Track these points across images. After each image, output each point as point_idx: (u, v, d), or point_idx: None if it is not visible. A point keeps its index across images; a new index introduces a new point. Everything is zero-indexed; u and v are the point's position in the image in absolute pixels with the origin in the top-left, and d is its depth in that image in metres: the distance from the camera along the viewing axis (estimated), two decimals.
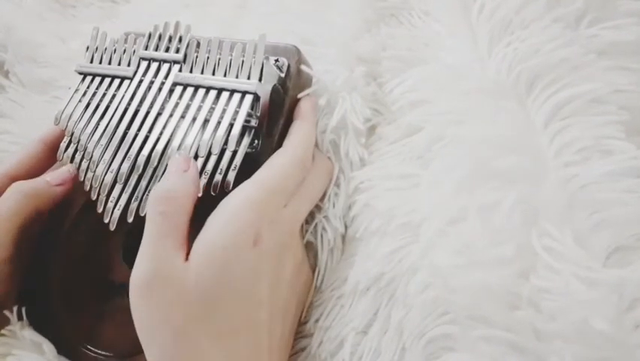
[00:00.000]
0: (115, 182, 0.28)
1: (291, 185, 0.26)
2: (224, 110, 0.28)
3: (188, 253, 0.23)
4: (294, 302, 0.27)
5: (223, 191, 0.26)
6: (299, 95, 0.30)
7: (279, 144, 0.28)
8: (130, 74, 0.31)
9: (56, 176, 0.30)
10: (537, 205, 0.24)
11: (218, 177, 0.26)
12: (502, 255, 0.23)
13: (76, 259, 0.31)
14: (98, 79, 0.32)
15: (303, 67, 0.30)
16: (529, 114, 0.26)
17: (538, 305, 0.22)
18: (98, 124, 0.30)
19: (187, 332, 0.22)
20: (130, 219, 0.27)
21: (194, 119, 0.28)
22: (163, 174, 0.27)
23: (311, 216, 0.30)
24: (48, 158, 0.32)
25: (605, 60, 0.26)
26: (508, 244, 0.23)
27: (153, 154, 0.28)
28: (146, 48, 0.31)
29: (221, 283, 0.22)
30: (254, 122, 0.28)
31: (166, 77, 0.30)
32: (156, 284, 0.22)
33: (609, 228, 0.23)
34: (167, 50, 0.31)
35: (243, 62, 0.28)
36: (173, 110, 0.29)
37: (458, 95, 0.28)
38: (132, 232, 0.26)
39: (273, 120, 0.28)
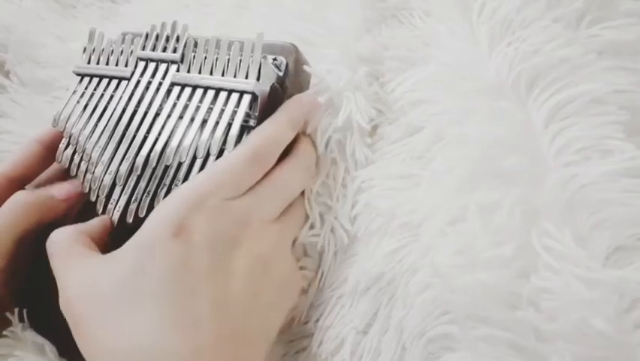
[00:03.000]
0: (114, 183, 0.28)
1: (235, 178, 0.25)
2: (222, 110, 0.28)
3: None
4: (259, 298, 0.25)
5: None
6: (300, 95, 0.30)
7: None
8: (127, 74, 0.31)
9: (63, 190, 0.29)
10: (537, 205, 0.23)
11: None
12: (503, 255, 0.23)
13: None
14: (95, 80, 0.32)
15: (305, 67, 0.30)
16: (530, 114, 0.26)
17: (538, 305, 0.22)
18: (96, 125, 0.30)
19: (94, 327, 0.22)
20: (129, 220, 0.27)
21: (192, 120, 0.28)
22: (162, 174, 0.27)
23: (321, 218, 0.30)
24: (44, 158, 0.32)
25: (605, 60, 0.26)
26: (508, 244, 0.23)
27: (152, 155, 0.28)
28: (144, 48, 0.31)
29: (138, 276, 0.22)
30: (252, 122, 0.28)
31: (164, 77, 0.30)
32: (70, 293, 0.23)
33: (609, 228, 0.23)
34: (164, 49, 0.31)
35: (240, 61, 0.28)
36: (171, 111, 0.29)
37: (459, 94, 0.28)
38: (132, 232, 0.26)
39: None
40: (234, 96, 0.28)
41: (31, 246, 0.28)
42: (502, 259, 0.23)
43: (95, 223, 0.27)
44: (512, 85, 0.27)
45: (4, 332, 0.28)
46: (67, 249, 0.25)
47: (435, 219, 0.26)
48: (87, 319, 0.23)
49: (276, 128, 0.27)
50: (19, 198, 0.28)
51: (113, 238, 0.28)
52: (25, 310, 0.28)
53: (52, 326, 0.29)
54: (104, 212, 0.28)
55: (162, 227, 0.23)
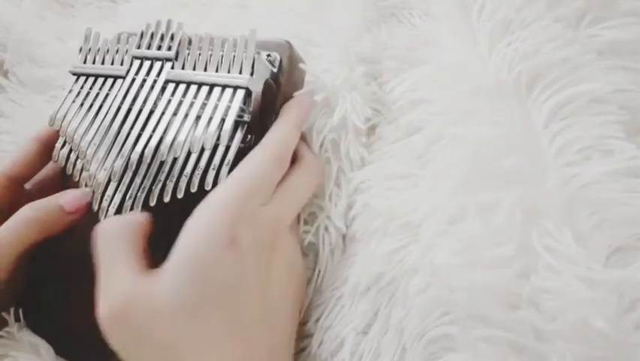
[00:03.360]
0: (109, 180, 0.28)
1: (267, 183, 0.26)
2: (216, 106, 0.27)
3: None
4: (288, 302, 0.27)
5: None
6: (296, 94, 0.30)
7: None
8: (123, 73, 0.31)
9: (71, 202, 0.28)
10: (537, 205, 0.23)
11: (211, 173, 0.26)
12: (503, 255, 0.23)
13: (74, 259, 0.31)
14: (91, 79, 0.32)
15: (299, 64, 0.30)
16: (530, 114, 0.26)
17: (539, 305, 0.22)
18: (92, 123, 0.30)
19: (173, 345, 0.22)
20: None
21: (186, 116, 0.28)
22: (157, 171, 0.27)
23: (313, 217, 0.30)
24: (43, 156, 0.32)
25: (605, 60, 0.26)
26: (509, 244, 0.23)
27: (146, 151, 0.27)
28: (139, 47, 0.31)
29: (200, 289, 0.22)
30: (246, 117, 0.28)
31: (158, 75, 0.30)
32: (126, 309, 0.22)
33: (609, 228, 0.23)
34: (159, 47, 0.31)
35: (234, 57, 0.28)
36: (166, 108, 0.28)
37: (458, 94, 0.28)
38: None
39: (265, 115, 0.28)
40: (228, 91, 0.28)
41: (34, 253, 0.28)
42: (503, 259, 0.23)
43: (140, 216, 0.26)
44: (512, 85, 0.27)
45: (0, 333, 0.28)
46: (115, 247, 0.24)
47: (435, 219, 0.26)
48: (147, 329, 0.22)
49: (288, 131, 0.28)
50: (25, 213, 0.27)
51: None
52: (21, 310, 0.28)
53: (49, 325, 0.29)
54: (99, 209, 0.28)
55: (217, 237, 0.23)
